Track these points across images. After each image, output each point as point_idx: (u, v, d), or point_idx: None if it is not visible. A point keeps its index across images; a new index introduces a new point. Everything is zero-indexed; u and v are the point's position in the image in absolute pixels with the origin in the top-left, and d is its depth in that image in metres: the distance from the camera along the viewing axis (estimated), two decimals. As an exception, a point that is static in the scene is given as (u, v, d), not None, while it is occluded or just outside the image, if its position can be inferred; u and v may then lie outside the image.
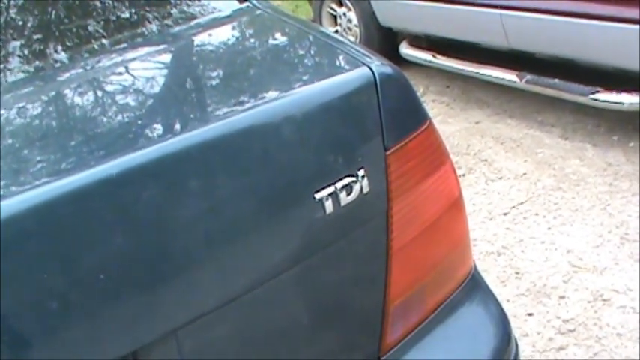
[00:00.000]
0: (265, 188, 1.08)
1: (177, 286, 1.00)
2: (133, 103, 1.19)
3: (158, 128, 1.10)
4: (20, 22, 1.46)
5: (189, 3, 1.62)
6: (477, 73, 4.39)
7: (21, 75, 1.30)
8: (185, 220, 1.00)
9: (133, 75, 1.29)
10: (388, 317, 1.27)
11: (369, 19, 5.11)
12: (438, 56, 4.69)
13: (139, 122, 1.12)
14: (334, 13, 5.54)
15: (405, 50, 4.90)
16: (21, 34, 1.42)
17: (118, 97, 1.21)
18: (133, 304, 0.96)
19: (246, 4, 1.61)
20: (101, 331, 0.95)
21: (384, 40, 5.12)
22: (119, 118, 1.13)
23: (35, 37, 1.42)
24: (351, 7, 5.29)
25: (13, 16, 1.47)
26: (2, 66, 1.31)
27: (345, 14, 5.41)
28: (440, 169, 1.32)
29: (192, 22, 1.53)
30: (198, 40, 1.48)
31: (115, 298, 0.95)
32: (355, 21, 5.29)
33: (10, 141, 1.06)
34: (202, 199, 1.02)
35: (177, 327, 1.00)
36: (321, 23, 5.55)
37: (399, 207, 1.22)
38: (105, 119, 1.13)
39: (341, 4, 5.44)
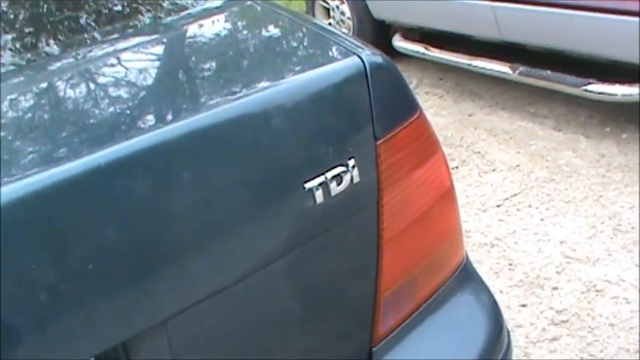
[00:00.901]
0: (255, 178, 1.07)
1: (167, 276, 0.99)
2: (123, 94, 1.18)
3: (148, 118, 1.10)
4: (11, 15, 1.45)
5: None
6: (470, 65, 4.38)
7: (11, 67, 1.29)
8: (175, 210, 1.00)
9: (123, 65, 1.28)
10: (379, 308, 1.27)
11: (362, 11, 5.10)
12: (431, 48, 4.68)
13: (129, 112, 1.11)
14: (327, 5, 5.53)
15: (398, 43, 4.89)
16: (11, 25, 1.42)
17: (109, 88, 1.20)
18: (122, 294, 0.96)
19: None
20: (90, 322, 0.94)
21: (377, 32, 5.11)
22: (110, 108, 1.13)
23: (26, 29, 1.41)
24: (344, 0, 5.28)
25: (4, 8, 1.46)
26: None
27: (337, 7, 5.40)
28: (431, 159, 1.31)
29: (184, 13, 1.52)
30: (189, 30, 1.47)
31: (105, 289, 0.95)
32: (348, 14, 5.28)
33: (0, 132, 1.06)
34: (192, 188, 1.02)
35: (167, 317, 1.00)
36: (313, 16, 5.53)
37: (389, 197, 1.22)
38: (95, 109, 1.12)
39: (335, -4, 5.43)
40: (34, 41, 1.37)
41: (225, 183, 1.04)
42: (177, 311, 1.01)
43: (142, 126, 1.06)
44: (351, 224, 1.20)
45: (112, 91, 1.18)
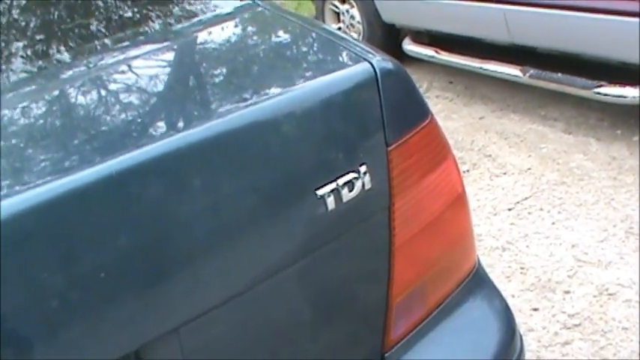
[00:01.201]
0: (267, 185, 1.08)
1: (180, 283, 1.00)
2: (134, 101, 1.18)
3: (159, 126, 1.10)
4: (22, 22, 1.46)
5: (191, 1, 1.62)
6: (480, 68, 4.38)
7: (23, 74, 1.30)
8: (187, 218, 1.00)
9: (135, 73, 1.29)
10: (391, 313, 1.27)
11: (371, 15, 5.11)
12: (441, 52, 4.68)
13: (140, 120, 1.12)
14: (337, 10, 5.53)
15: (408, 46, 4.89)
16: (23, 33, 1.42)
17: (120, 95, 1.20)
18: (135, 302, 0.96)
19: (247, 1, 1.61)
20: (104, 330, 0.95)
21: (387, 36, 5.11)
22: (121, 115, 1.13)
23: (37, 36, 1.42)
24: (354, 3, 5.28)
25: (16, 16, 1.47)
26: (4, 66, 1.31)
27: (347, 11, 5.40)
28: (442, 165, 1.31)
29: (194, 20, 1.53)
30: (200, 37, 1.47)
31: (117, 297, 0.95)
32: (358, 18, 5.29)
33: (12, 140, 1.06)
34: (204, 196, 1.02)
35: (180, 325, 1.00)
36: (323, 20, 5.54)
37: (401, 203, 1.22)
38: (107, 117, 1.12)
39: (344, 1, 5.43)
40: (45, 48, 1.38)
41: (236, 190, 1.05)
42: (190, 318, 1.01)
43: (154, 133, 1.07)
44: (362, 230, 1.20)
45: (124, 99, 1.19)
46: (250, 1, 1.60)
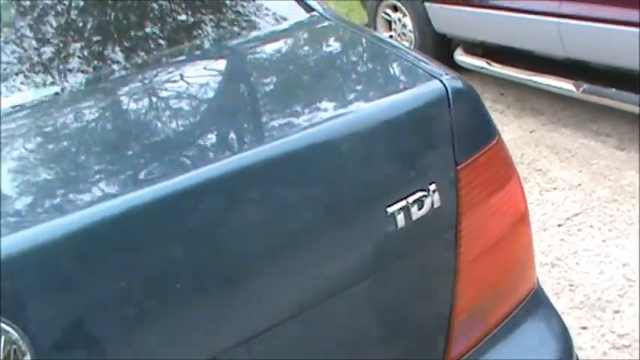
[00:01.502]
0: (339, 202, 1.09)
1: (252, 296, 1.01)
2: (198, 117, 1.21)
3: (231, 143, 1.12)
4: (77, 34, 1.48)
5: (255, 13, 1.63)
6: (532, 81, 4.35)
7: (81, 88, 1.32)
8: (262, 232, 1.02)
9: (197, 88, 1.31)
10: (453, 332, 1.27)
11: (424, 24, 5.10)
12: (493, 63, 4.66)
13: (211, 137, 1.14)
14: (389, 18, 5.53)
15: (460, 57, 4.87)
16: (79, 46, 1.44)
17: (183, 111, 1.22)
18: (209, 313, 0.98)
19: (312, 13, 1.61)
20: (176, 341, 0.97)
21: (439, 46, 5.10)
22: (188, 133, 1.15)
23: (94, 48, 1.44)
24: (406, 12, 5.28)
25: (71, 24, 1.50)
26: (63, 81, 1.33)
27: (399, 19, 5.40)
28: (508, 184, 1.31)
29: (258, 33, 1.54)
30: (263, 52, 1.49)
31: (191, 308, 0.97)
32: (410, 26, 5.28)
33: (83, 157, 1.09)
34: (277, 212, 1.04)
35: (250, 337, 1.02)
36: (375, 28, 5.55)
37: (467, 222, 1.22)
38: (172, 133, 1.15)
39: (396, 10, 5.43)
40: (101, 63, 1.40)
41: (308, 207, 1.06)
42: (260, 331, 1.03)
43: (227, 151, 1.08)
44: (429, 248, 1.20)
45: (186, 114, 1.21)
46: (315, 14, 1.61)
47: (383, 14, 5.57)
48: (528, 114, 4.58)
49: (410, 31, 5.29)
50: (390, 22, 5.55)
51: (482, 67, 4.71)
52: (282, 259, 1.04)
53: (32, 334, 0.88)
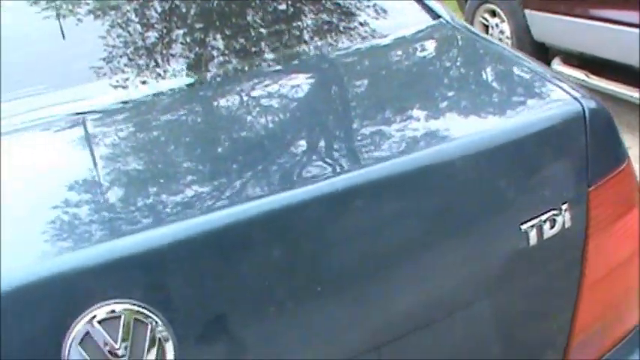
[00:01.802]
0: (474, 216, 1.10)
1: (385, 305, 1.04)
2: (345, 121, 1.23)
3: (364, 155, 1.13)
4: (174, 40, 1.51)
5: (378, 18, 1.63)
6: (631, 96, 4.26)
7: (177, 96, 1.35)
8: (399, 245, 1.04)
9: (326, 94, 1.33)
10: (570, 352, 1.27)
11: (522, 32, 5.03)
12: (591, 76, 4.57)
13: (359, 142, 1.16)
14: (486, 23, 5.48)
15: (558, 67, 4.79)
16: (178, 51, 1.47)
17: (322, 115, 1.26)
18: (345, 317, 1.01)
19: (439, 20, 1.60)
20: (314, 341, 0.99)
21: (536, 54, 5.01)
22: (332, 136, 1.19)
23: (194, 51, 1.48)
24: (505, 18, 5.22)
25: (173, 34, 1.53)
26: (167, 87, 1.37)
27: (497, 25, 5.34)
28: (634, 208, 1.30)
29: (381, 40, 1.54)
30: (387, 59, 1.49)
31: (329, 310, 1.00)
32: (507, 33, 5.22)
33: (233, 153, 1.13)
34: (411, 225, 1.05)
35: (382, 343, 1.04)
36: (472, 32, 5.49)
37: (594, 243, 1.22)
38: (323, 135, 1.18)
39: (494, 15, 5.37)
40: (201, 68, 1.43)
41: (444, 221, 1.08)
42: (391, 339, 1.05)
43: (376, 159, 1.10)
44: (555, 267, 1.20)
45: (329, 121, 1.23)
46: (442, 20, 1.60)
47: (481, 18, 5.52)
48: (625, 129, 4.48)
49: (507, 37, 5.23)
50: (487, 27, 5.50)
51: (581, 80, 4.62)
52: (415, 271, 1.06)
53: (176, 324, 0.91)
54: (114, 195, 1.02)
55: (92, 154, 1.13)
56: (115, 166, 1.11)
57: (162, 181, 1.09)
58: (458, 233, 1.08)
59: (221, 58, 1.45)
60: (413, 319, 1.07)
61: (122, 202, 1.01)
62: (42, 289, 0.88)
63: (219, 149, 1.19)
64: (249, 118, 1.26)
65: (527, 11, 4.93)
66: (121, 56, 1.40)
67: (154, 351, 0.89)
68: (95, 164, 1.10)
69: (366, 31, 1.57)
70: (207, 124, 1.28)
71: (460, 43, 1.55)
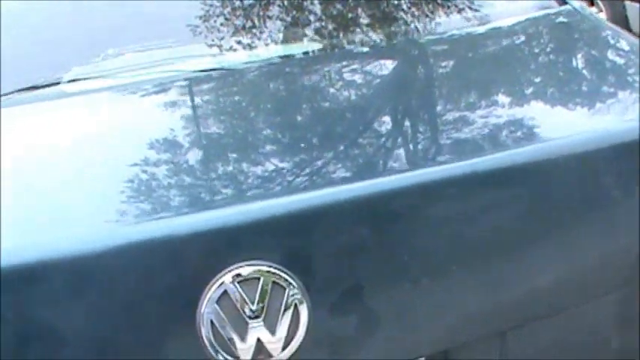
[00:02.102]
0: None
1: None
2: (446, 109, 1.23)
3: (488, 142, 1.12)
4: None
5: (491, 4, 1.60)
6: None
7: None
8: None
9: (432, 79, 1.33)
10: None
11: (620, 23, 4.91)
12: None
13: (465, 133, 1.14)
14: (583, 12, 5.37)
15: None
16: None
17: (421, 100, 1.27)
18: (477, 298, 1.02)
19: (566, 6, 1.56)
20: (442, 321, 1.01)
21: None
22: (428, 127, 1.19)
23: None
24: (603, 8, 5.10)
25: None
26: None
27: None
28: None
29: (501, 24, 1.51)
30: (506, 44, 1.47)
31: (462, 291, 1.01)
32: (604, 24, 5.10)
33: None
34: (528, 219, 1.04)
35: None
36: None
37: None
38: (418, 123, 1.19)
39: (592, 4, 5.26)
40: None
41: (556, 220, 1.06)
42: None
43: (488, 149, 1.09)
44: None
45: (427, 108, 1.25)
46: (569, 7, 1.55)
47: (578, 7, 5.41)
48: None
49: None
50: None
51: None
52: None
53: (312, 291, 0.93)
54: (263, 157, 1.06)
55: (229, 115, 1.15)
56: (262, 129, 1.16)
57: (311, 146, 1.12)
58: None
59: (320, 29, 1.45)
60: (539, 306, 1.06)
61: (276, 164, 1.03)
62: (189, 242, 0.90)
63: (339, 128, 1.20)
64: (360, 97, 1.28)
65: (627, 3, 4.81)
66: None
67: (288, 314, 0.91)
68: (239, 126, 1.12)
69: (482, 16, 1.55)
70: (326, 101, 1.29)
71: (587, 30, 1.51)
